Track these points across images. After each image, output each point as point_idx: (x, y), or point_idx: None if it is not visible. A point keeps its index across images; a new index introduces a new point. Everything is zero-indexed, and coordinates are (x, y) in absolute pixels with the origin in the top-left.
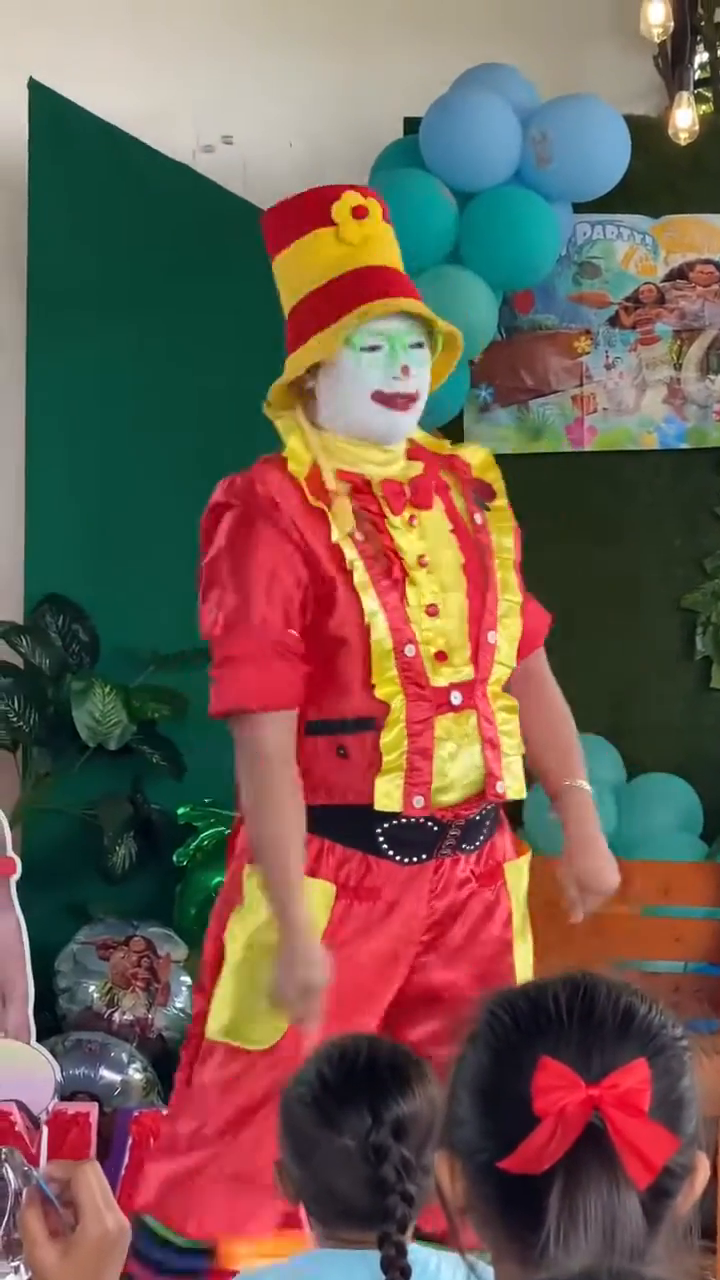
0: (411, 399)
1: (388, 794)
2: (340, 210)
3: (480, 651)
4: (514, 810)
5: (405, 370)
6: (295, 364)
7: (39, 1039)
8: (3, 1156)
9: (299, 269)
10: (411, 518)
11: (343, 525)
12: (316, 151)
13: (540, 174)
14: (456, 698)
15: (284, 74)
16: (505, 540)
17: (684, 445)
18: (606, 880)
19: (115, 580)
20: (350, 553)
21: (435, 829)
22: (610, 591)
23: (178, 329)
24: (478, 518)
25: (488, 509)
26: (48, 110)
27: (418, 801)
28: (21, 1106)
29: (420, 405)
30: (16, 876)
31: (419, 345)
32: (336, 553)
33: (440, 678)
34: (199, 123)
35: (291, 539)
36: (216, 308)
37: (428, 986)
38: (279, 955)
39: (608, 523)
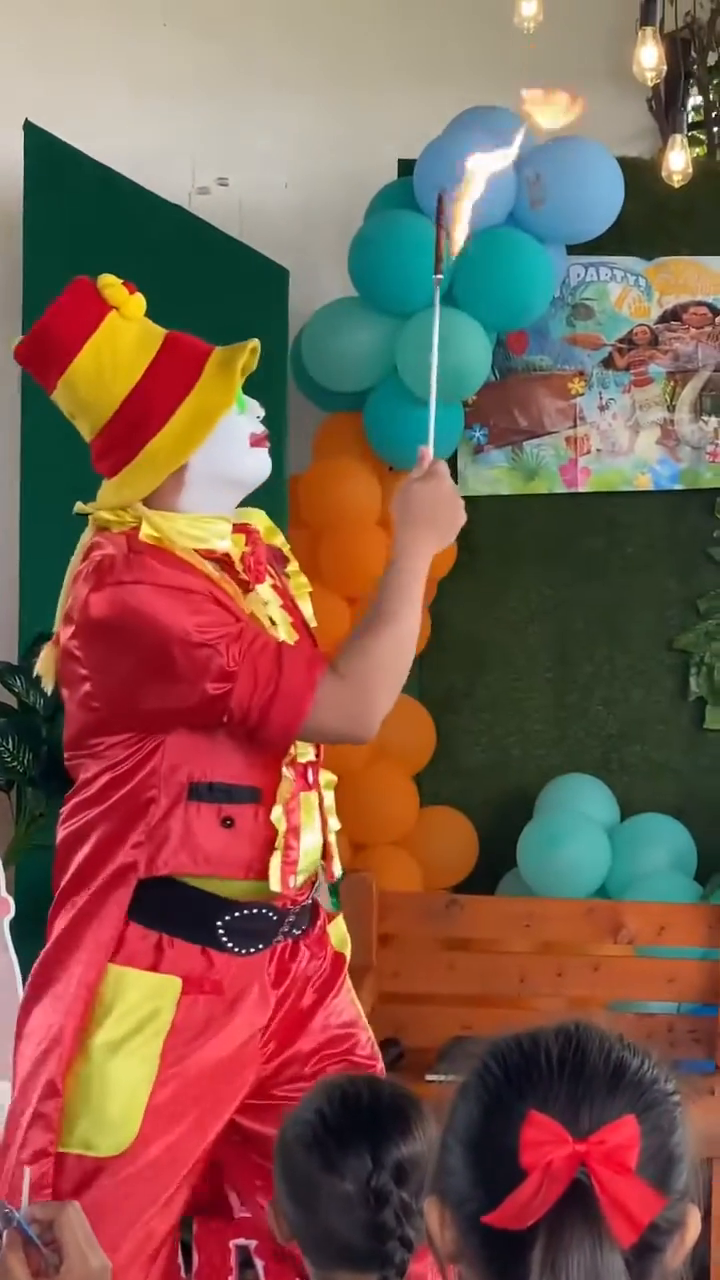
0: (265, 438)
1: (276, 875)
2: (111, 293)
3: None
4: None
5: (258, 412)
6: (177, 450)
7: None
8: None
9: (111, 366)
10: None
11: (238, 597)
12: (311, 193)
13: (534, 215)
14: (310, 775)
15: (279, 116)
16: (308, 608)
17: (678, 486)
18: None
19: None
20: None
21: (274, 917)
22: (604, 632)
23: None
24: (290, 590)
25: (287, 576)
26: (43, 152)
27: (292, 881)
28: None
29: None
30: (10, 917)
31: None
32: (234, 605)
33: (302, 753)
34: (194, 164)
35: (212, 597)
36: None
37: (290, 1062)
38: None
39: (601, 563)
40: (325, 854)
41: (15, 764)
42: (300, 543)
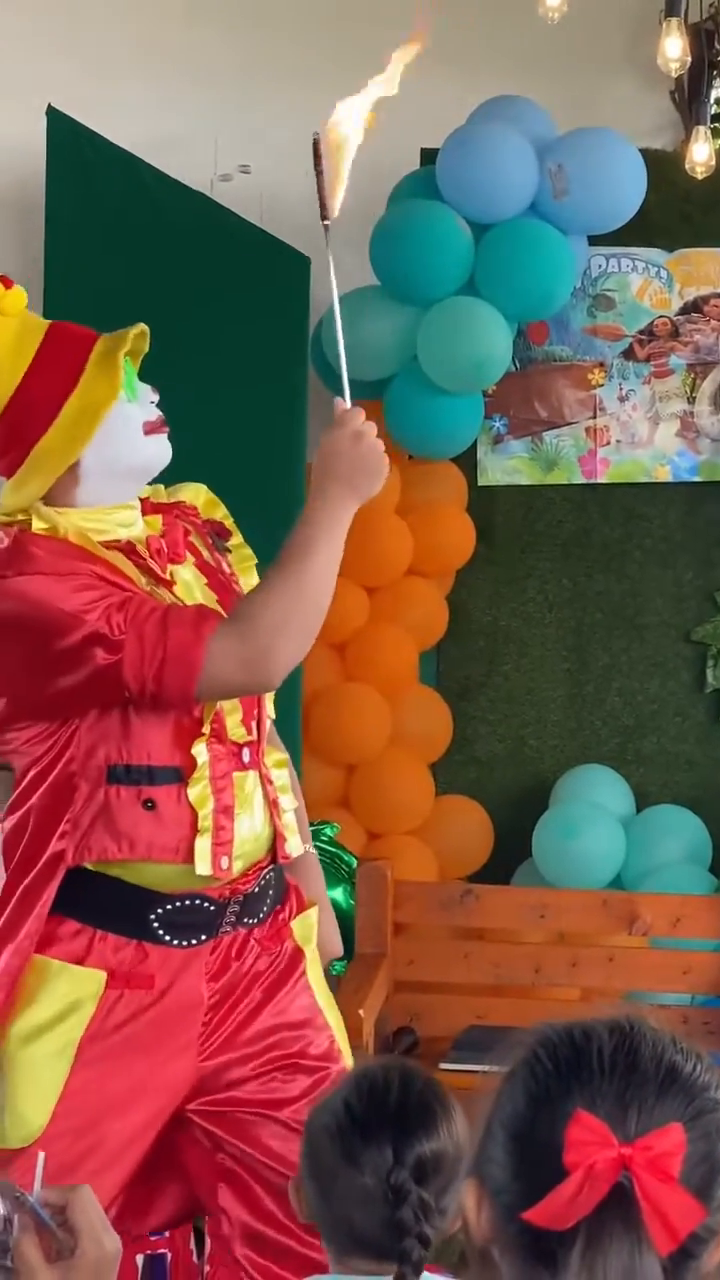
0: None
1: (203, 856)
2: None
3: (256, 707)
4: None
5: (155, 393)
6: (66, 449)
7: None
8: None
9: None
10: (170, 576)
11: (137, 579)
12: None
13: (556, 206)
14: (246, 755)
15: (301, 103)
16: (252, 581)
17: (696, 478)
18: (333, 947)
19: None
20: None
21: (211, 908)
22: (621, 623)
23: (193, 357)
24: (225, 566)
25: (228, 550)
26: (66, 137)
27: (224, 863)
28: None
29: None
30: None
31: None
32: (127, 579)
33: (233, 731)
34: (217, 151)
35: (92, 572)
36: (232, 335)
37: (231, 1064)
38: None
39: (619, 555)
40: (277, 836)
41: None
42: None
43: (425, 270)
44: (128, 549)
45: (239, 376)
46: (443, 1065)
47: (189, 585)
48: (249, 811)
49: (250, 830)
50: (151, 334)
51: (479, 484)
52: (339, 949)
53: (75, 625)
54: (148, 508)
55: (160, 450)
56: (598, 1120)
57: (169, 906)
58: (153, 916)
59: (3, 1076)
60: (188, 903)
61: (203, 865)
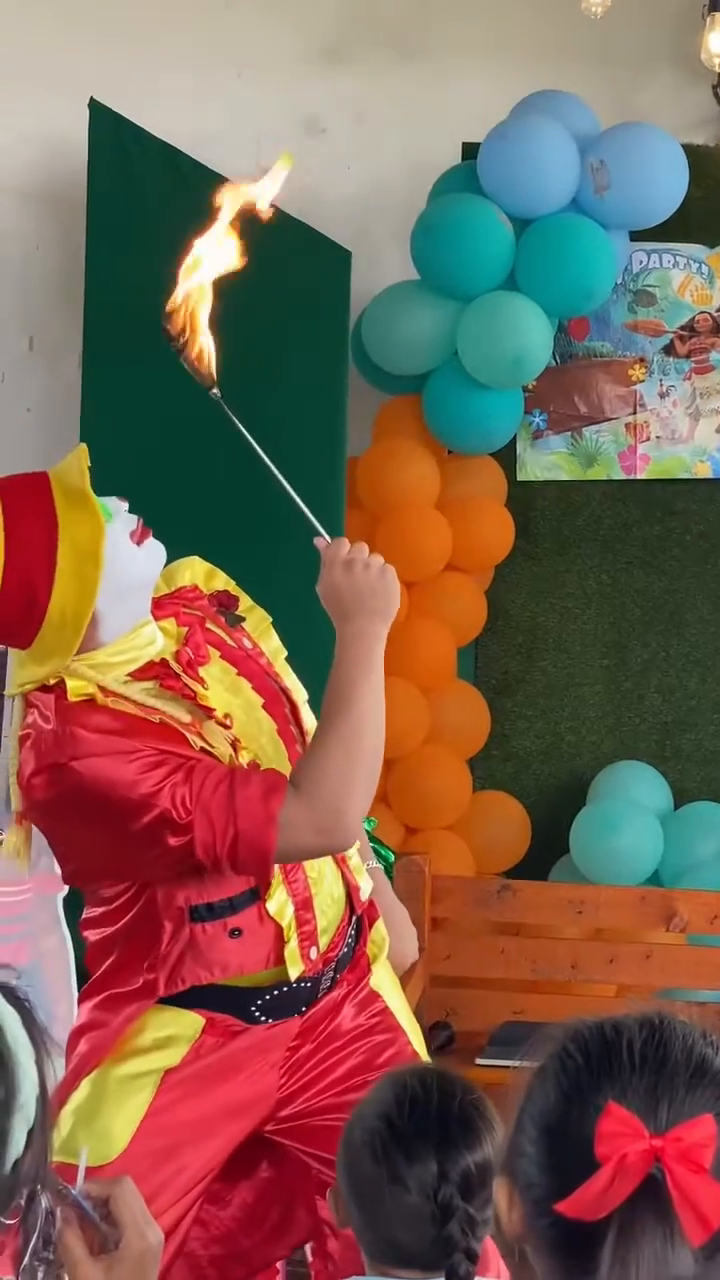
0: (144, 528)
1: (295, 959)
2: None
3: None
4: None
5: (123, 500)
6: (81, 601)
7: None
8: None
9: None
10: (201, 681)
11: (179, 715)
12: (375, 175)
13: (597, 201)
14: None
15: (344, 98)
16: (273, 642)
17: None
18: (402, 959)
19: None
20: (211, 732)
21: (309, 985)
22: (660, 620)
23: (233, 349)
24: (246, 642)
25: (241, 619)
26: (108, 130)
27: (313, 953)
28: None
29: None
30: (63, 894)
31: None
32: (185, 742)
33: None
34: (258, 144)
35: (150, 750)
36: (273, 328)
37: (323, 1093)
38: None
39: (659, 551)
40: (351, 890)
41: None
42: (357, 525)
43: (466, 265)
44: (162, 671)
45: (279, 369)
46: (479, 1060)
47: (219, 682)
48: (322, 886)
49: (328, 901)
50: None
51: (518, 479)
52: (412, 955)
53: (143, 809)
54: (155, 612)
55: (155, 554)
56: (629, 1112)
57: (268, 997)
58: (254, 1007)
59: (88, 1097)
60: (286, 989)
61: (294, 969)
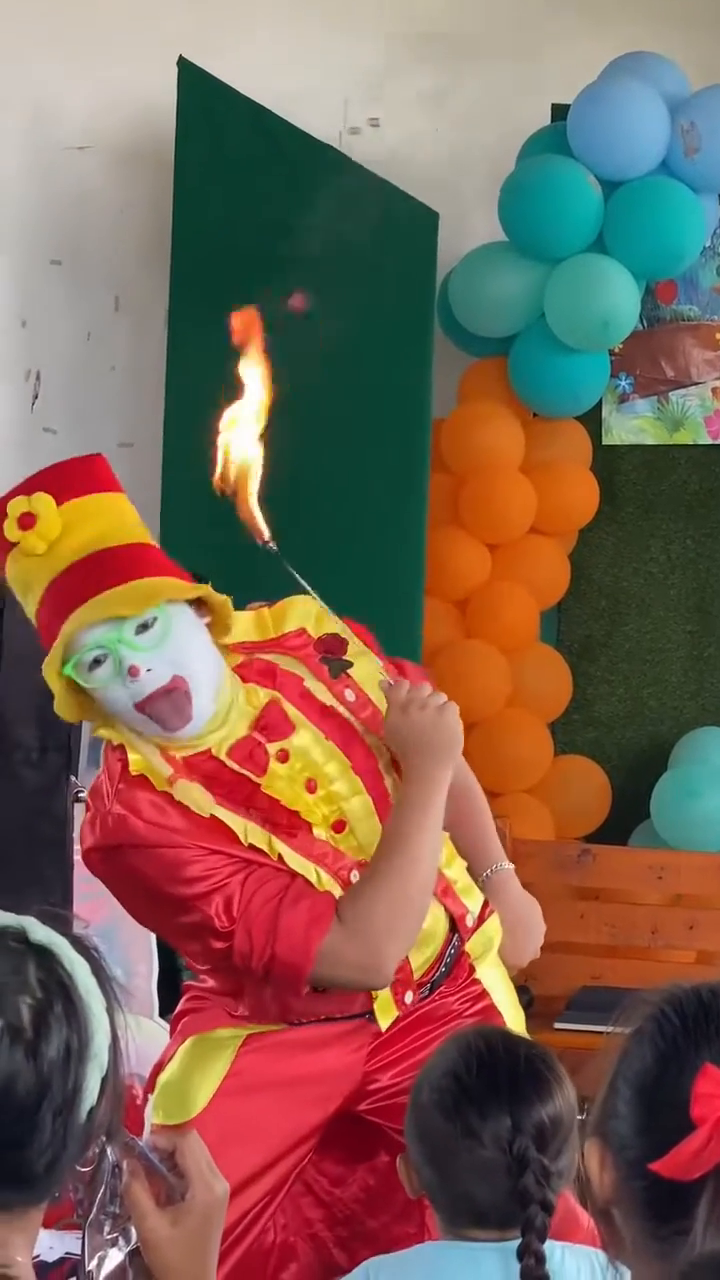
0: (171, 689)
1: (386, 1009)
2: (9, 528)
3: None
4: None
5: (134, 671)
6: (58, 704)
7: (160, 1014)
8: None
9: (18, 591)
10: (281, 753)
11: (220, 809)
12: (463, 136)
13: (687, 164)
14: None
15: (432, 58)
16: (369, 669)
17: None
18: (517, 959)
19: (249, 570)
20: (260, 838)
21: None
22: None
23: (320, 310)
24: (349, 694)
25: (348, 665)
26: (196, 89)
27: (408, 998)
28: (142, 1080)
29: (197, 687)
30: None
31: (147, 625)
32: (233, 837)
33: None
34: (346, 104)
35: (197, 851)
36: (360, 290)
37: (408, 1071)
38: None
39: None
40: (456, 919)
41: None
42: (442, 488)
43: (554, 227)
44: (214, 768)
45: (365, 330)
46: (557, 1024)
47: (307, 751)
48: (424, 936)
49: (425, 941)
50: (277, 287)
51: (603, 443)
52: (518, 961)
53: (187, 909)
54: (245, 670)
55: (165, 728)
56: None
57: (351, 1017)
58: (333, 1021)
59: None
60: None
61: (386, 1019)
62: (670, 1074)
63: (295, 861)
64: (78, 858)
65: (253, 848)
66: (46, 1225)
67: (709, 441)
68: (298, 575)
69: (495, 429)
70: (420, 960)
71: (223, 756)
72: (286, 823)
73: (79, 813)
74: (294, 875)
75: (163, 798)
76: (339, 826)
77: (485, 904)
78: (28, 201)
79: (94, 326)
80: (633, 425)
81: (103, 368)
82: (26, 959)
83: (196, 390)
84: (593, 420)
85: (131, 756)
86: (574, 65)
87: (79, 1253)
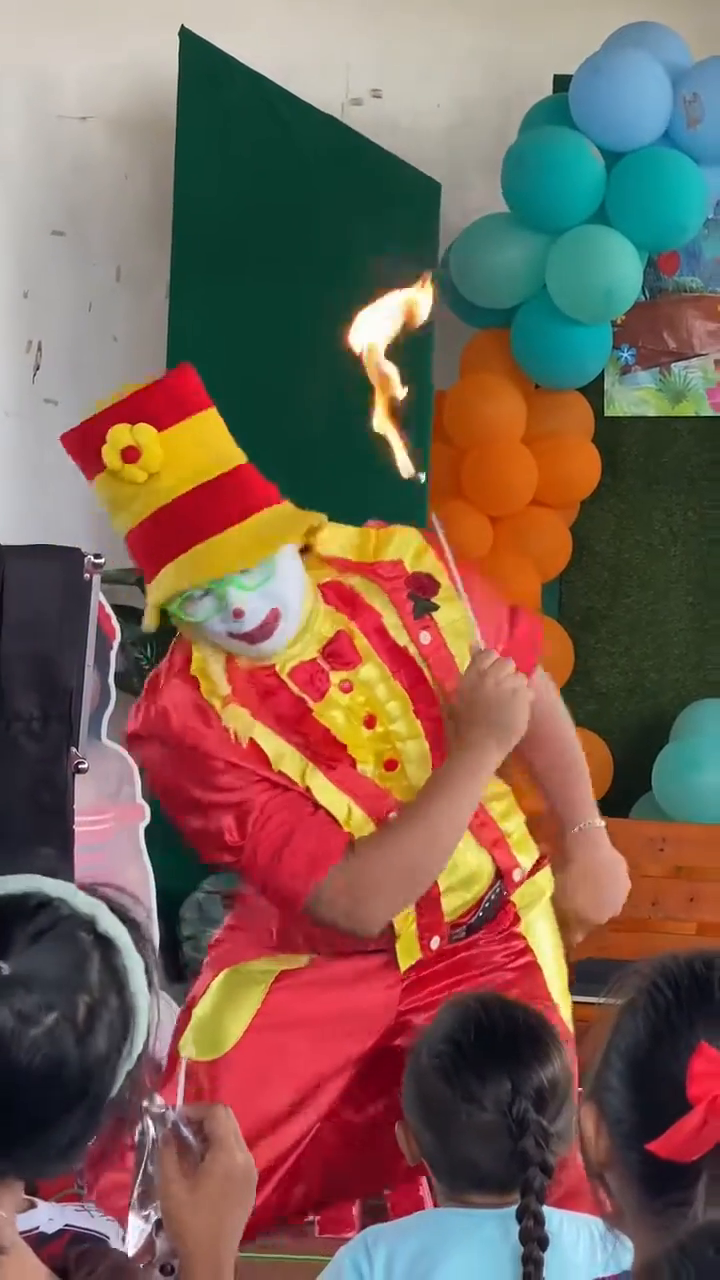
0: (267, 625)
1: (408, 951)
2: (110, 455)
3: None
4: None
5: (238, 614)
6: (147, 617)
7: (162, 985)
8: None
9: (106, 508)
10: (345, 683)
11: (263, 736)
12: (465, 107)
13: (690, 135)
14: None
15: (434, 29)
16: (458, 620)
17: None
18: (595, 914)
19: None
20: (294, 766)
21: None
22: None
23: (321, 281)
24: (425, 637)
25: (434, 608)
26: (198, 59)
27: (434, 943)
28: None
29: (287, 614)
30: (145, 823)
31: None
32: (265, 761)
33: None
34: (349, 76)
35: (233, 764)
36: (361, 259)
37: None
38: None
39: None
40: (504, 873)
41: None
42: (443, 460)
43: (556, 198)
44: (274, 684)
45: (367, 300)
46: None
47: (371, 686)
48: (463, 880)
49: (472, 875)
50: (280, 258)
51: (605, 414)
52: (597, 916)
53: (201, 815)
54: (330, 589)
55: (250, 653)
56: None
57: (381, 949)
58: (366, 952)
59: (205, 998)
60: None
61: (406, 960)
62: (664, 1049)
63: (326, 794)
64: (78, 828)
65: (282, 774)
66: (45, 1197)
67: (711, 413)
68: (436, 520)
69: (497, 401)
70: (455, 904)
71: (284, 675)
72: (329, 754)
73: (80, 785)
74: (317, 809)
75: (205, 710)
76: (391, 765)
77: (541, 857)
78: (29, 172)
79: (95, 297)
80: (635, 397)
81: (104, 338)
82: (91, 953)
83: (197, 360)
84: (595, 392)
85: (195, 655)
86: (576, 36)
87: (79, 1225)
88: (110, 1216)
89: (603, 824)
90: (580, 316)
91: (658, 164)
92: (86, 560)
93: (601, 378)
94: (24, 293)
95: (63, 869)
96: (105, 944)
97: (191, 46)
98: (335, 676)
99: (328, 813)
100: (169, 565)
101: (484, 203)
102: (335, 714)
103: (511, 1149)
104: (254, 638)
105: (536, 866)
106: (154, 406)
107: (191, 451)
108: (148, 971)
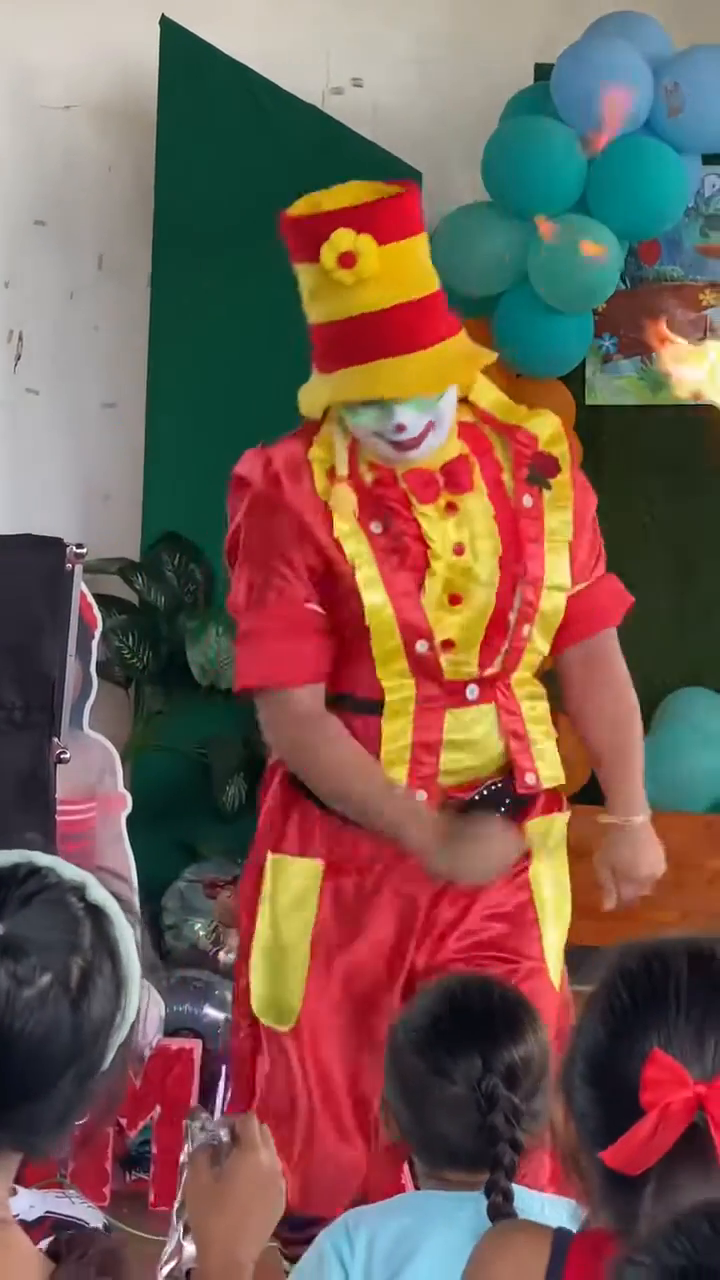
0: (418, 440)
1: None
2: (328, 255)
3: (509, 645)
4: None
5: (400, 428)
6: (311, 400)
7: (144, 974)
8: (190, 1115)
9: (304, 291)
10: (449, 505)
11: (344, 516)
12: (446, 96)
13: (670, 124)
14: (472, 692)
15: (415, 18)
16: (562, 522)
17: None
18: (639, 870)
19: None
20: (353, 546)
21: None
22: None
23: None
24: (527, 500)
25: (548, 487)
26: (179, 48)
27: (420, 795)
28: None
29: (439, 429)
30: (127, 812)
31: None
32: (340, 544)
33: (455, 671)
34: (329, 64)
35: (298, 525)
36: None
37: (451, 957)
38: (432, 859)
39: None
40: (516, 769)
41: (135, 661)
42: None
43: (537, 187)
44: (388, 475)
45: None
46: None
47: (473, 518)
48: (470, 747)
49: (473, 761)
50: (261, 248)
51: (587, 403)
52: (641, 872)
53: (231, 560)
54: (468, 431)
55: (395, 458)
56: (673, 1060)
57: None
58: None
59: (260, 968)
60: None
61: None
62: (621, 1053)
63: (370, 586)
64: (60, 818)
65: (338, 543)
66: (27, 1185)
67: (692, 402)
68: None
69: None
70: (452, 765)
71: (400, 475)
72: (400, 558)
73: (62, 774)
74: (309, 620)
75: (306, 471)
76: (455, 600)
77: (560, 799)
78: (10, 161)
79: (77, 286)
80: (616, 386)
81: (86, 327)
82: (82, 919)
83: (180, 349)
84: (576, 381)
85: (325, 430)
86: (557, 25)
87: (60, 1212)
88: (91, 1204)
89: (640, 819)
90: (561, 305)
91: (638, 153)
92: (68, 550)
93: (582, 367)
94: (5, 283)
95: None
96: (96, 912)
97: (172, 36)
98: (445, 496)
99: (315, 627)
100: (351, 369)
101: (465, 192)
102: (434, 523)
103: (481, 1124)
104: (404, 446)
105: (554, 806)
106: (381, 220)
107: (402, 269)
108: (138, 944)
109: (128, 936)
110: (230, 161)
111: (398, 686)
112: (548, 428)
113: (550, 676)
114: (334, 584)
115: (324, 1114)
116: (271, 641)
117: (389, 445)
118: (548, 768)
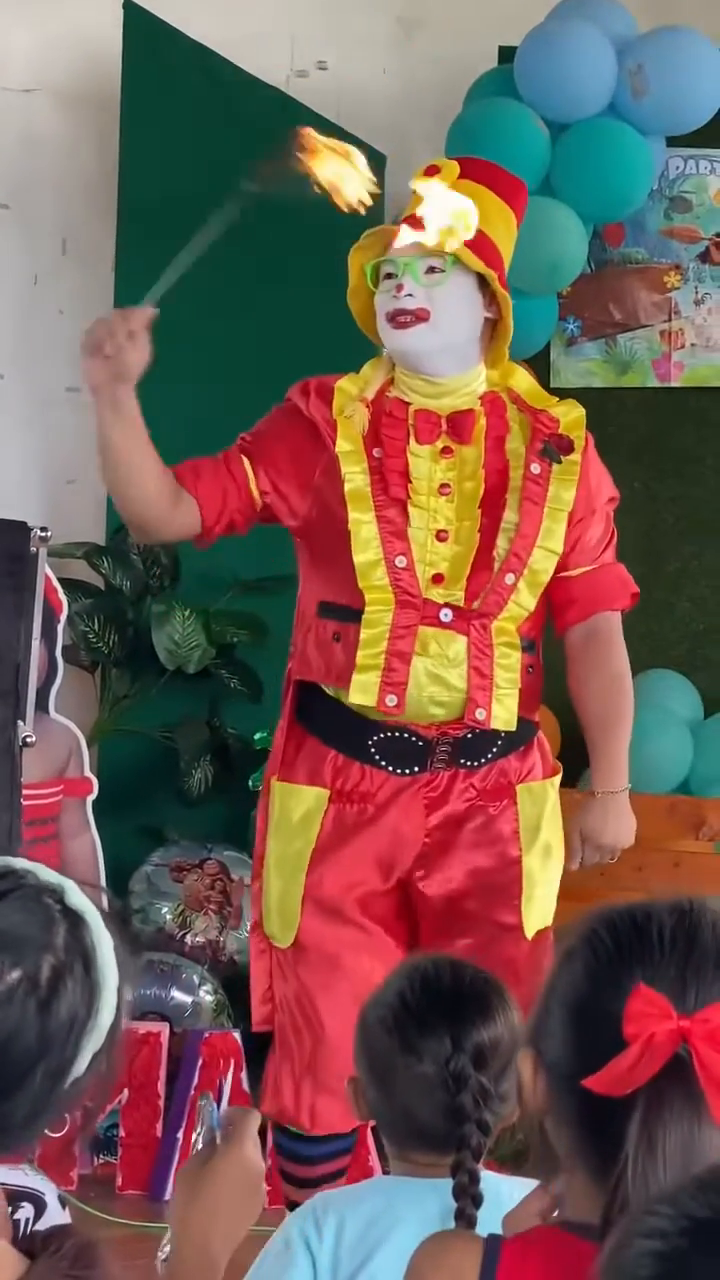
0: (410, 316)
1: (363, 688)
2: (419, 169)
3: (490, 588)
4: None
5: (400, 289)
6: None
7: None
8: (201, 1104)
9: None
10: (446, 449)
11: (349, 437)
12: (410, 79)
13: (635, 106)
14: (446, 615)
15: (379, 1)
16: (565, 493)
17: None
18: (606, 837)
19: None
20: (350, 463)
21: (420, 743)
22: (692, 528)
23: (267, 252)
24: (535, 467)
25: (558, 461)
26: (143, 32)
27: (390, 700)
28: None
29: (434, 326)
30: (93, 797)
31: (434, 270)
32: (339, 459)
33: (433, 594)
34: (293, 48)
35: (312, 430)
36: (306, 231)
37: (435, 900)
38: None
39: (693, 460)
40: (474, 698)
41: (101, 645)
42: None
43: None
44: (400, 413)
45: (314, 272)
46: None
47: (465, 464)
48: (442, 668)
49: (446, 683)
50: (226, 230)
51: (551, 385)
52: (610, 839)
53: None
54: (492, 400)
55: (394, 343)
56: (657, 994)
57: (382, 735)
58: (370, 742)
59: (268, 891)
60: (398, 734)
61: (358, 695)
62: (604, 993)
63: (357, 500)
64: (25, 802)
65: (337, 458)
66: None
67: (657, 384)
68: None
69: None
70: (431, 697)
71: (410, 412)
72: (383, 487)
73: (27, 759)
74: (244, 488)
75: (331, 395)
76: (442, 536)
77: (549, 765)
78: None
79: (41, 270)
80: (581, 368)
81: (50, 311)
82: (59, 919)
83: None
84: (540, 362)
85: (368, 366)
86: (521, 6)
87: (14, 1184)
88: (45, 1175)
89: (617, 790)
90: (525, 288)
91: (603, 135)
92: (33, 533)
93: (547, 349)
94: None
95: (12, 843)
96: (73, 917)
97: (135, 19)
98: (444, 440)
99: (244, 464)
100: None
101: None
102: (422, 463)
103: (449, 1104)
104: (401, 321)
105: (543, 770)
106: (475, 165)
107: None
108: (122, 963)
109: (105, 944)
110: (194, 145)
111: (377, 600)
112: (571, 414)
113: (555, 671)
114: (330, 493)
115: (331, 1017)
116: (212, 461)
117: (391, 327)
118: (503, 711)
